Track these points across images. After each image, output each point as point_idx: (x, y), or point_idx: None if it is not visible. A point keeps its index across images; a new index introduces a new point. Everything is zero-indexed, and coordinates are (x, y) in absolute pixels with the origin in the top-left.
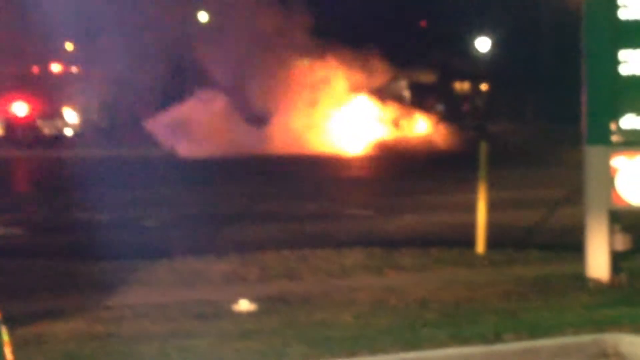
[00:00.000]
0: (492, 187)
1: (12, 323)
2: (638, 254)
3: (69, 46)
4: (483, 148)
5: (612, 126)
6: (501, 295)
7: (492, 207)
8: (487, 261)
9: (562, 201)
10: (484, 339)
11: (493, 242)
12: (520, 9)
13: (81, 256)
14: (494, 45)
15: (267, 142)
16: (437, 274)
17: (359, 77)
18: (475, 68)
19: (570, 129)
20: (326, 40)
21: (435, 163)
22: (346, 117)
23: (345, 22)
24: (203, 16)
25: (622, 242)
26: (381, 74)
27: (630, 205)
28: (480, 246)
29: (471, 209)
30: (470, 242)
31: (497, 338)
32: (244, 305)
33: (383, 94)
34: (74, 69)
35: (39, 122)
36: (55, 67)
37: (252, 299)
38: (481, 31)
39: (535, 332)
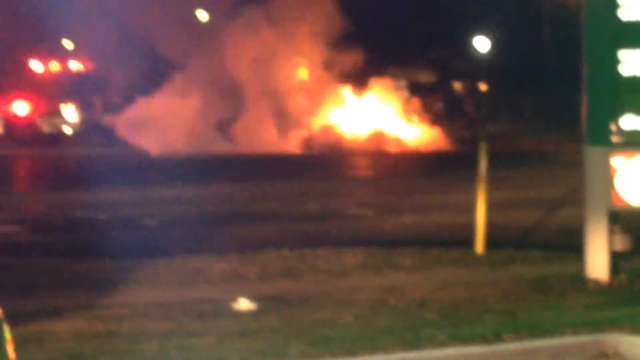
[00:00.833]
0: (491, 187)
1: (12, 321)
2: (637, 255)
3: (67, 44)
4: (482, 148)
5: (612, 126)
6: (501, 296)
7: (491, 207)
8: (486, 261)
9: (561, 202)
10: (484, 339)
11: (492, 242)
12: (521, 9)
13: (81, 255)
14: (493, 44)
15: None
16: (436, 274)
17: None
18: (474, 68)
19: (570, 129)
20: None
21: (434, 163)
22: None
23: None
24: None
25: (621, 243)
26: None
27: (629, 206)
28: (480, 246)
29: (470, 209)
30: (469, 242)
31: (497, 338)
32: (244, 304)
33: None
34: (72, 67)
35: (39, 121)
36: (54, 65)
37: (252, 298)
38: (481, 31)
39: (535, 332)
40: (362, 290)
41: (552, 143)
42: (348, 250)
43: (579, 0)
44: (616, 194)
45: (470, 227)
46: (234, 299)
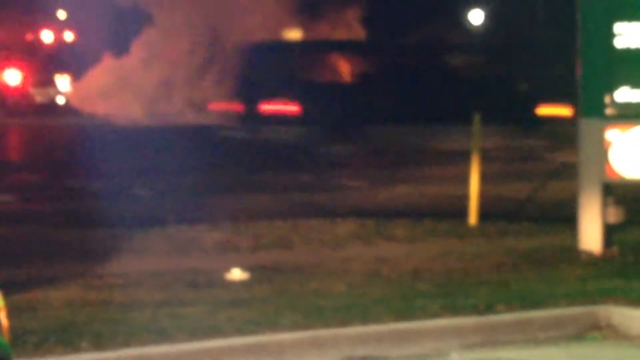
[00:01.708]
0: (485, 159)
1: (4, 289)
2: (630, 227)
3: (61, 14)
4: (476, 120)
5: (607, 99)
6: (493, 267)
7: (484, 179)
8: (479, 233)
9: (555, 174)
10: (477, 310)
11: (486, 214)
12: None
13: (74, 224)
14: (487, 17)
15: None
16: (429, 245)
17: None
18: (468, 40)
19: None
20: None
21: (426, 134)
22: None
23: None
24: None
25: (614, 215)
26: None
27: (623, 179)
28: (473, 218)
29: (463, 181)
30: (462, 213)
31: (490, 309)
32: (236, 274)
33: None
34: (66, 37)
35: (32, 91)
36: (48, 35)
37: (244, 267)
38: (475, 3)
39: (527, 303)
40: (355, 261)
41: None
42: (341, 221)
43: None
44: (610, 167)
45: (464, 198)
46: (227, 269)
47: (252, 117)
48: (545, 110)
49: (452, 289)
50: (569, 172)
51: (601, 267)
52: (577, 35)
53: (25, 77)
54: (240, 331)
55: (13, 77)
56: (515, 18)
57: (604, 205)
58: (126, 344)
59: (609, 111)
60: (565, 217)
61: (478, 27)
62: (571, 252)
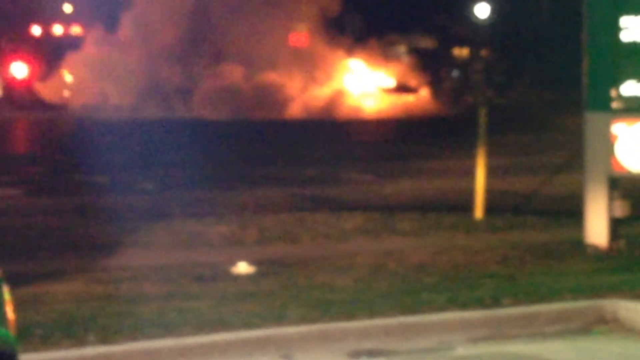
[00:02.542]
0: (491, 152)
1: (11, 283)
2: (637, 221)
3: (67, 8)
4: (482, 114)
5: (613, 93)
6: (499, 261)
7: (490, 172)
8: (485, 226)
9: (560, 168)
10: (483, 304)
11: (491, 207)
12: None
13: (80, 218)
14: (494, 10)
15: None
16: (435, 238)
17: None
18: (475, 33)
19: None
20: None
21: (434, 128)
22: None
23: None
24: None
25: (621, 209)
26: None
27: (629, 172)
28: (479, 211)
29: (470, 174)
30: (468, 207)
31: (496, 303)
32: (242, 267)
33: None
34: (73, 31)
35: (38, 84)
36: (56, 29)
37: (251, 261)
38: None
39: (533, 297)
40: (361, 255)
41: (551, 109)
42: (347, 215)
43: None
44: (616, 161)
45: (470, 192)
46: (233, 263)
47: None
48: None
49: (458, 282)
50: (575, 166)
51: (607, 261)
52: (583, 29)
53: (31, 71)
54: (246, 325)
55: (20, 70)
56: (521, 12)
57: (610, 199)
58: (132, 337)
59: (615, 105)
60: (572, 211)
61: (484, 20)
62: (577, 246)
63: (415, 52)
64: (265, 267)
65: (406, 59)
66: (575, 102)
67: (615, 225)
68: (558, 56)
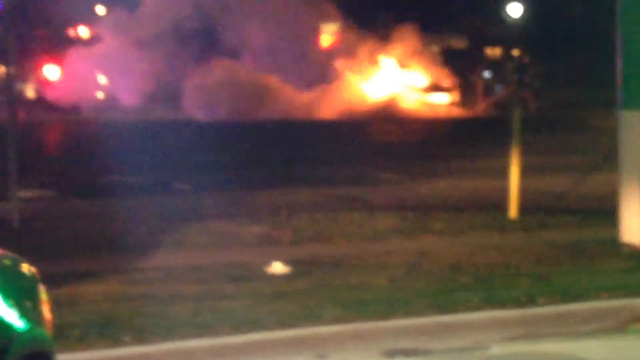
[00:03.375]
0: (524, 152)
1: (46, 284)
2: None
3: (100, 10)
4: (516, 113)
5: None
6: (534, 260)
7: (524, 172)
8: (520, 226)
9: (594, 166)
10: (518, 303)
11: (526, 207)
12: None
13: (114, 219)
14: (526, 10)
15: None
16: (470, 238)
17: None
18: (507, 34)
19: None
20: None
21: (467, 128)
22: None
23: None
24: None
25: None
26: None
27: None
28: (513, 211)
29: (503, 174)
30: (502, 207)
31: (531, 302)
32: (277, 267)
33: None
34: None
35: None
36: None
37: (285, 261)
38: None
39: (568, 296)
40: (396, 254)
41: (585, 108)
42: (381, 214)
43: None
44: None
45: (503, 191)
46: (268, 263)
47: None
48: None
49: (493, 282)
50: (609, 165)
51: None
52: (617, 28)
53: (64, 73)
54: (281, 324)
55: (52, 72)
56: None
57: None
58: (168, 337)
59: None
60: (607, 210)
61: (516, 20)
62: (612, 245)
63: (447, 52)
64: (300, 267)
65: (438, 58)
66: (608, 101)
67: None
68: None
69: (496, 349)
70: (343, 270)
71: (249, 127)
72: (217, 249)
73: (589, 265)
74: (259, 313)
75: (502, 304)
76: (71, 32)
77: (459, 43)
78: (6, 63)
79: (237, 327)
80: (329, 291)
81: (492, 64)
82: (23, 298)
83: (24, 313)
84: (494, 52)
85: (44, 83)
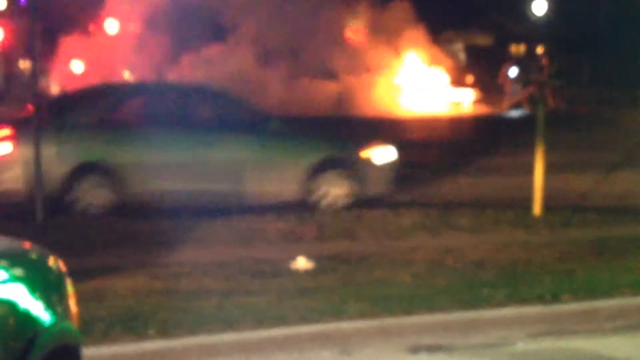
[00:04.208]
0: (548, 149)
1: (72, 278)
2: None
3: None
4: (540, 110)
5: None
6: (559, 257)
7: (548, 169)
8: (544, 223)
9: (619, 164)
10: (542, 300)
11: (550, 204)
12: None
13: (140, 214)
14: (551, 7)
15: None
16: (494, 235)
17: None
18: (531, 30)
19: (628, 93)
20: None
21: (491, 125)
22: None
23: None
24: None
25: None
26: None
27: None
28: (538, 208)
29: (526, 171)
30: (526, 204)
31: (555, 299)
32: (301, 263)
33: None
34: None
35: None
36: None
37: (309, 257)
38: None
39: (593, 293)
40: (420, 251)
41: (608, 106)
42: (405, 211)
43: None
44: None
45: (528, 189)
46: (292, 259)
47: None
48: None
49: (517, 278)
50: (634, 163)
51: None
52: None
53: (88, 69)
54: (305, 320)
55: (77, 68)
56: (578, 9)
57: None
58: (192, 332)
59: None
60: (631, 208)
61: (541, 17)
62: (637, 243)
63: (471, 49)
64: (324, 263)
65: (463, 55)
66: (634, 99)
67: None
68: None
69: (520, 345)
70: (367, 267)
71: None
72: (242, 245)
73: (613, 262)
74: (284, 309)
75: (526, 300)
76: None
77: (484, 40)
78: (32, 58)
79: (261, 322)
80: (353, 287)
81: (518, 62)
82: (50, 291)
83: (50, 306)
84: (518, 49)
85: (68, 78)
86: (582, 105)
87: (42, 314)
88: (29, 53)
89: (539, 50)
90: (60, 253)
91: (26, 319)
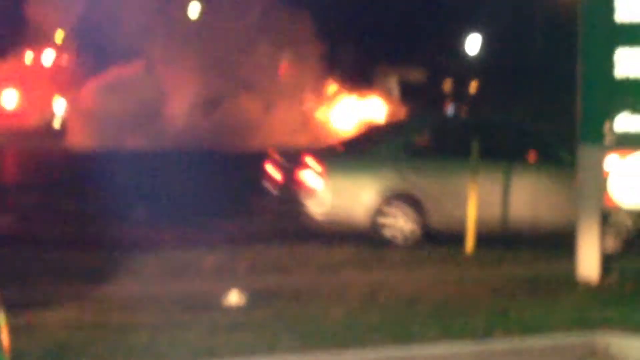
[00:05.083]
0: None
1: (4, 309)
2: (629, 255)
3: (59, 36)
4: (474, 146)
5: (606, 126)
6: (491, 294)
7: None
8: (476, 260)
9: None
10: (474, 336)
11: (482, 241)
12: (514, 7)
13: (72, 246)
14: (485, 43)
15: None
16: (426, 271)
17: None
18: (465, 66)
19: (563, 128)
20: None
21: None
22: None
23: (330, 18)
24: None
25: (612, 243)
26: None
27: (621, 207)
28: (470, 245)
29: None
30: (459, 240)
31: (488, 335)
32: (233, 297)
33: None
34: (65, 59)
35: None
36: (47, 56)
37: (242, 291)
38: (472, 29)
39: (525, 330)
40: (352, 286)
41: None
42: (337, 247)
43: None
44: (608, 195)
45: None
46: (224, 293)
47: None
48: None
49: (450, 315)
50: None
51: (599, 295)
52: (577, 62)
53: (22, 99)
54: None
55: (10, 98)
56: (513, 45)
57: (602, 233)
58: None
59: (608, 138)
60: (564, 244)
61: (474, 54)
62: (569, 280)
63: (405, 85)
64: (256, 297)
65: (397, 91)
66: (568, 135)
67: (608, 259)
68: (551, 89)
69: None
70: (300, 302)
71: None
72: (175, 278)
73: (545, 300)
74: (215, 343)
75: (458, 337)
76: (29, 57)
77: (417, 75)
78: None
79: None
80: (285, 322)
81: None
82: None
83: None
84: (450, 85)
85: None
86: None
87: None
88: None
89: (473, 86)
90: None
91: None
